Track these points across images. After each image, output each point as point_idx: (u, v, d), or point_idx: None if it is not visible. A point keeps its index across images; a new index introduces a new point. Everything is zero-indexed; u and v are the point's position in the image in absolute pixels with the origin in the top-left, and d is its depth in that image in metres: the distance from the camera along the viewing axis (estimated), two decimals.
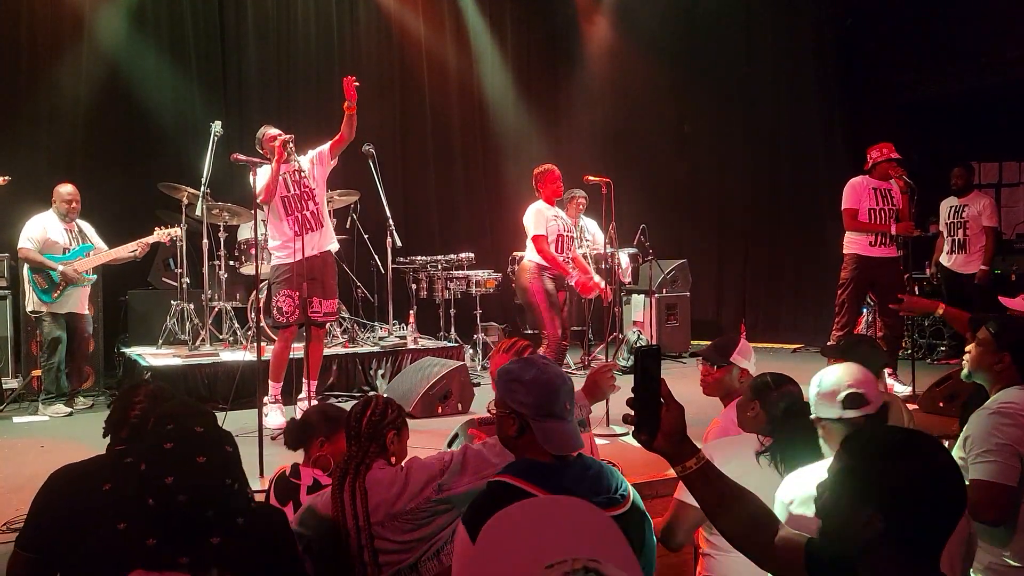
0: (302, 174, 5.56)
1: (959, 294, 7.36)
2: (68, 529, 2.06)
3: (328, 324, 6.19)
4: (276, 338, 5.71)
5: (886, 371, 6.40)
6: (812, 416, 2.39)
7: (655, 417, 1.57)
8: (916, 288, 8.39)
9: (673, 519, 2.51)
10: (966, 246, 7.36)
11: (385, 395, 3.10)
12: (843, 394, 2.30)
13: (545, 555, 1.01)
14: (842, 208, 6.54)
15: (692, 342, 8.91)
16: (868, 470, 1.46)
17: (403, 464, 2.48)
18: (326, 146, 5.68)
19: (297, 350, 5.81)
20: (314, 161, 5.68)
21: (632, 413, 1.59)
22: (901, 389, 6.29)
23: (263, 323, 5.67)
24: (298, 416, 5.40)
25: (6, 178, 6.08)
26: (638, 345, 1.91)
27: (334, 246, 5.82)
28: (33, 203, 6.41)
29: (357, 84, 5.39)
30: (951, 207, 7.49)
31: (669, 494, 3.21)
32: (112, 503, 1.50)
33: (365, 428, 2.47)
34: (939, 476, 1.44)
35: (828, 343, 6.81)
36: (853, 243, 6.58)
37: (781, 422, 2.53)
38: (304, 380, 5.64)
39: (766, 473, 2.40)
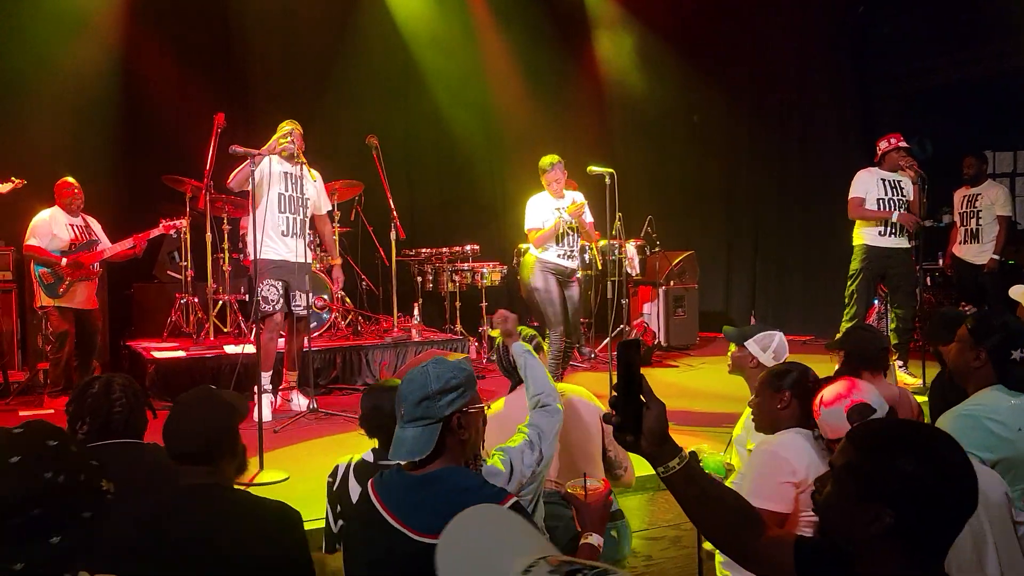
0: (303, 182, 5.57)
1: (972, 284, 7.27)
2: None
3: (323, 315, 6.18)
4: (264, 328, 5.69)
5: (897, 363, 6.34)
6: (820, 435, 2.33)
7: (638, 416, 1.51)
8: (928, 279, 8.30)
9: None
10: (979, 236, 7.25)
11: None
12: (848, 409, 2.23)
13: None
14: (848, 197, 6.48)
15: (700, 335, 8.84)
16: (876, 465, 1.40)
17: None
18: (326, 208, 6.08)
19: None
20: (319, 190, 5.86)
21: (613, 413, 1.53)
22: (912, 381, 6.22)
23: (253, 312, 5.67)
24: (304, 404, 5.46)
25: (21, 181, 6.09)
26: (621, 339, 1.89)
27: (310, 259, 5.85)
28: (37, 199, 6.41)
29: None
30: (964, 196, 7.39)
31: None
32: None
33: None
34: (953, 472, 1.39)
35: (837, 336, 6.78)
36: (862, 233, 6.53)
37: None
38: (285, 371, 5.70)
39: None
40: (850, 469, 1.44)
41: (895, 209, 6.37)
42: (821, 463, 2.37)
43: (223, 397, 2.25)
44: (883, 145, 6.54)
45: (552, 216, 6.16)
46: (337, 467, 2.75)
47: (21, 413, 6.00)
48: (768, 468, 2.49)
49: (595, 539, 2.20)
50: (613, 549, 2.91)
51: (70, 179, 6.33)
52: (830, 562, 1.46)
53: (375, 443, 2.71)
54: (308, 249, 5.75)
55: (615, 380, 1.53)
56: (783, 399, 2.60)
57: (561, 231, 6.12)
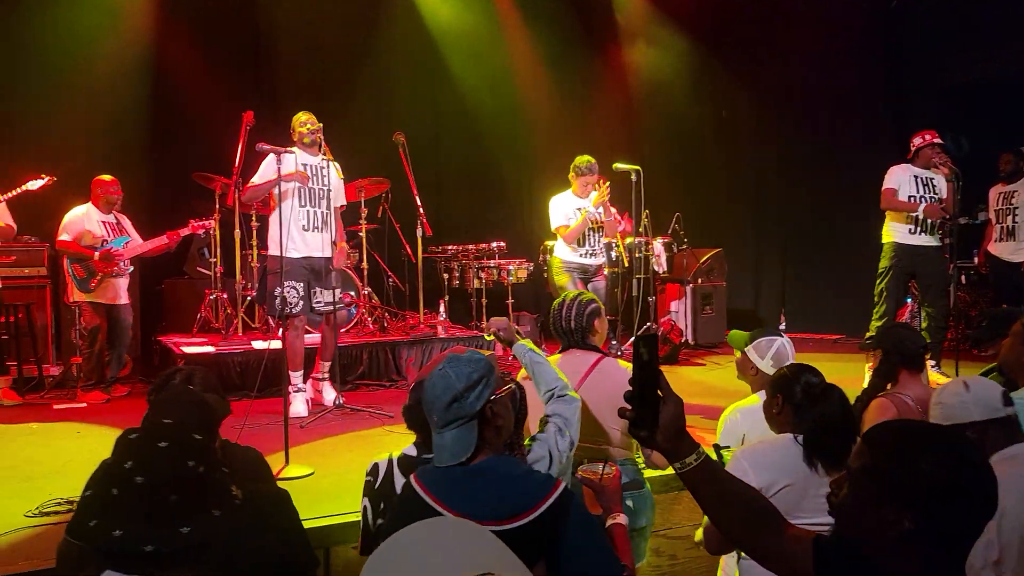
0: (325, 171, 5.55)
1: (1008, 283, 7.13)
2: None
3: (350, 310, 6.20)
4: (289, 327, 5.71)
5: (929, 363, 6.24)
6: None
7: (654, 411, 1.50)
8: (963, 277, 8.16)
9: (708, 525, 2.40)
10: (1015, 233, 7.11)
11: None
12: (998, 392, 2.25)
13: None
14: (882, 189, 6.41)
15: (728, 332, 8.76)
16: (894, 468, 1.38)
17: None
18: (341, 201, 5.91)
19: (315, 340, 5.88)
20: (339, 181, 5.79)
21: (629, 408, 1.52)
22: (945, 381, 6.11)
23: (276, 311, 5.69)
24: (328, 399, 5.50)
25: (51, 178, 6.19)
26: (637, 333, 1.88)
27: (330, 253, 5.77)
28: (70, 195, 6.52)
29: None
30: (1000, 193, 7.25)
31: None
32: (83, 502, 1.49)
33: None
34: (973, 475, 1.36)
35: (867, 334, 6.69)
36: (892, 231, 6.46)
37: (805, 412, 2.44)
38: (318, 360, 5.72)
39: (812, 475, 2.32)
40: (867, 472, 1.41)
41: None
42: (794, 470, 2.33)
43: (198, 396, 2.28)
44: (917, 141, 6.46)
45: (576, 214, 6.21)
46: (377, 464, 2.70)
47: (55, 407, 6.11)
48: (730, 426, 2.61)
49: (622, 518, 2.32)
50: (631, 520, 2.88)
51: (111, 177, 6.41)
52: (849, 561, 1.44)
53: (411, 438, 2.73)
54: (333, 244, 5.72)
55: (631, 375, 1.52)
56: (776, 403, 2.58)
57: (586, 227, 6.15)
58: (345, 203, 5.98)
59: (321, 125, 5.61)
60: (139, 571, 1.41)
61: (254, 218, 7.15)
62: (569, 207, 6.28)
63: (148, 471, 1.41)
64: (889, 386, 3.24)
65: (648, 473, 3.13)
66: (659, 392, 1.51)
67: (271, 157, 5.17)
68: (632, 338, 7.82)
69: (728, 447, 2.78)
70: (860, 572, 1.42)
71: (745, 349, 3.20)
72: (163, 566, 1.43)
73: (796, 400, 2.47)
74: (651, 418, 1.50)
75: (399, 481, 2.65)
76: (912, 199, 6.35)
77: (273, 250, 5.40)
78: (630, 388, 1.52)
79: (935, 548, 1.35)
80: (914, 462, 1.36)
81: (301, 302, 5.47)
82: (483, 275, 7.63)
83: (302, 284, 5.47)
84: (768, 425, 2.68)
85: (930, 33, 8.63)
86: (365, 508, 2.66)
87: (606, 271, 6.81)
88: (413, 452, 2.72)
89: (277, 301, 5.29)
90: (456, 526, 1.18)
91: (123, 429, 1.58)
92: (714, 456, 2.68)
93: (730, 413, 3.13)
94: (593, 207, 6.16)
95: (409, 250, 7.53)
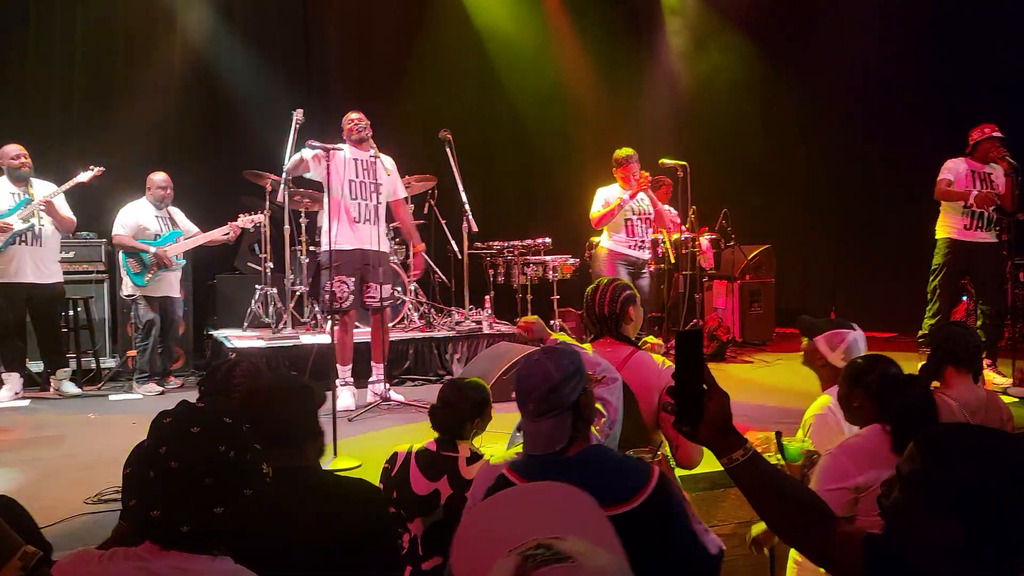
0: (375, 165, 5.61)
1: None
2: None
3: (391, 308, 6.26)
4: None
5: (985, 362, 6.09)
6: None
7: (698, 406, 1.50)
8: (1021, 274, 7.93)
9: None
10: None
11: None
12: None
13: (511, 542, 1.02)
14: (937, 180, 6.27)
15: (776, 330, 8.66)
16: (949, 476, 1.33)
17: None
18: (401, 195, 5.96)
19: (364, 335, 5.91)
20: (391, 173, 5.79)
21: (673, 402, 1.52)
22: (1001, 381, 5.97)
23: (328, 306, 5.75)
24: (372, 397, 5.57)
25: (100, 169, 6.34)
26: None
27: (387, 247, 5.88)
28: (126, 190, 6.69)
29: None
30: None
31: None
32: (124, 483, 1.55)
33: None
34: None
35: (920, 332, 6.55)
36: (947, 226, 6.32)
37: (887, 403, 2.41)
38: (374, 364, 5.75)
39: None
40: (917, 478, 1.37)
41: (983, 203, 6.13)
42: (890, 461, 2.30)
43: (303, 382, 2.34)
44: (975, 135, 6.30)
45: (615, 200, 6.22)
46: (396, 454, 2.81)
47: (111, 398, 6.28)
48: (825, 471, 2.45)
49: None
50: None
51: (163, 173, 6.56)
52: (900, 562, 1.41)
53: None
54: (385, 238, 5.77)
55: (674, 369, 1.52)
56: (858, 398, 2.54)
57: (628, 214, 6.14)
58: (407, 195, 5.99)
59: (369, 122, 5.70)
60: (177, 547, 1.48)
61: (303, 214, 7.26)
62: (612, 196, 6.28)
63: (182, 456, 1.46)
64: (935, 385, 3.16)
65: (679, 472, 3.11)
66: (703, 386, 1.51)
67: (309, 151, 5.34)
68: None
69: (792, 438, 2.73)
70: (912, 573, 1.39)
71: (816, 339, 3.10)
72: (200, 544, 1.49)
73: (875, 392, 2.44)
74: (695, 412, 1.50)
75: (415, 473, 2.72)
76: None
77: (325, 244, 5.49)
78: (671, 383, 1.52)
79: (986, 561, 1.30)
80: (961, 470, 1.32)
81: (351, 297, 5.52)
82: (528, 271, 7.64)
83: (353, 279, 5.52)
84: (844, 410, 2.65)
85: (988, 21, 8.39)
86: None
87: (651, 267, 6.78)
88: (433, 447, 2.77)
89: (327, 296, 5.36)
90: (544, 490, 1.21)
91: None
92: (773, 447, 2.66)
93: (820, 408, 3.03)
94: (627, 196, 6.16)
95: (455, 246, 7.57)
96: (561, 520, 1.08)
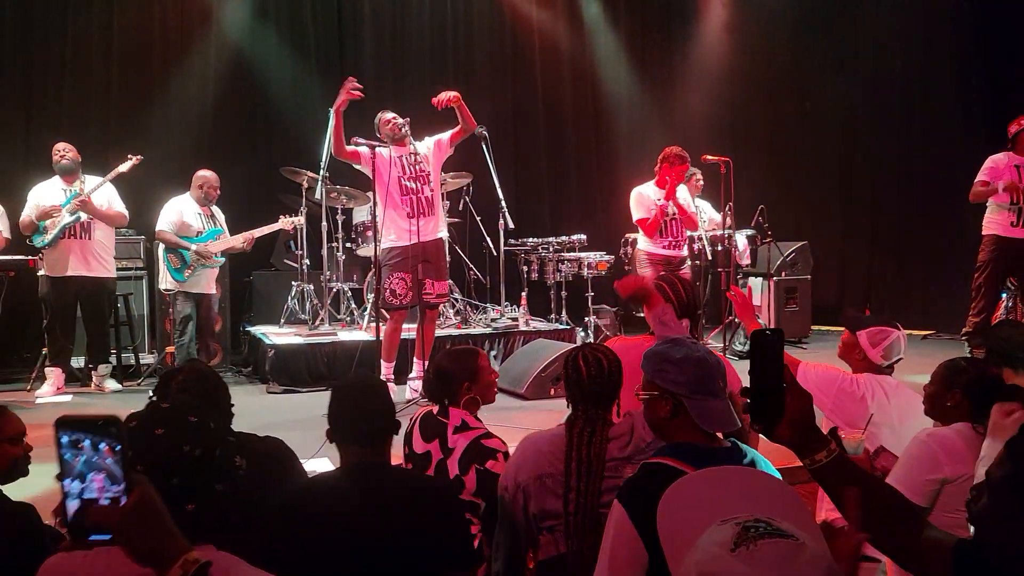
0: (418, 157, 5.63)
1: None
2: None
3: (440, 305, 6.27)
4: (389, 318, 5.80)
5: None
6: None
7: (775, 404, 1.48)
8: None
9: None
10: None
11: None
12: None
13: (724, 513, 1.03)
14: (975, 180, 6.18)
15: (812, 327, 8.58)
16: None
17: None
18: (446, 135, 5.80)
19: (408, 330, 5.92)
20: (431, 147, 5.77)
21: (748, 401, 1.50)
22: None
23: (378, 305, 5.77)
24: (411, 393, 5.59)
25: (139, 158, 6.39)
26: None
27: (444, 233, 5.92)
28: (165, 187, 6.74)
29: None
30: None
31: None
32: None
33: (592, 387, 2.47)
34: None
35: (964, 329, 6.46)
36: (992, 223, 6.23)
37: (984, 408, 2.39)
38: (416, 360, 5.76)
39: None
40: (1008, 483, 1.33)
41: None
42: (974, 461, 2.27)
43: (377, 381, 2.37)
44: (1014, 128, 6.21)
45: (655, 206, 6.23)
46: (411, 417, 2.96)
47: (150, 394, 6.34)
48: (915, 459, 2.45)
49: None
50: None
51: (212, 172, 6.61)
52: (993, 570, 1.38)
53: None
54: (443, 225, 5.76)
55: (749, 368, 1.51)
56: (954, 398, 2.53)
57: (666, 218, 6.13)
58: (449, 132, 5.80)
59: (407, 120, 5.71)
60: None
61: (340, 211, 7.29)
62: (648, 199, 6.27)
63: (145, 460, 1.44)
64: None
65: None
66: (783, 384, 1.49)
67: (366, 149, 5.38)
68: (715, 330, 7.73)
69: (850, 433, 2.70)
70: None
71: (858, 333, 3.10)
72: None
73: (975, 395, 2.42)
74: (772, 411, 1.48)
75: (415, 432, 2.84)
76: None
77: (382, 243, 5.54)
78: (744, 386, 1.51)
79: None
80: None
81: (410, 293, 5.53)
82: (563, 268, 7.62)
83: (410, 275, 5.52)
84: (927, 406, 2.64)
85: None
86: None
87: (687, 263, 6.75)
88: (435, 410, 2.87)
89: (387, 292, 5.39)
90: (750, 474, 1.23)
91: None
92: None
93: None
94: (664, 200, 6.17)
95: (490, 243, 7.57)
96: (775, 505, 1.08)
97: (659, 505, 1.09)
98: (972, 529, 1.44)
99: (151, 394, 2.62)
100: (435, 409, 2.88)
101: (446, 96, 5.47)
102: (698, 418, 1.94)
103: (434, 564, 2.02)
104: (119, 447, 1.14)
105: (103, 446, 1.14)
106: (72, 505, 1.19)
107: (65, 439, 1.16)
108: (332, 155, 5.63)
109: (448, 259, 6.17)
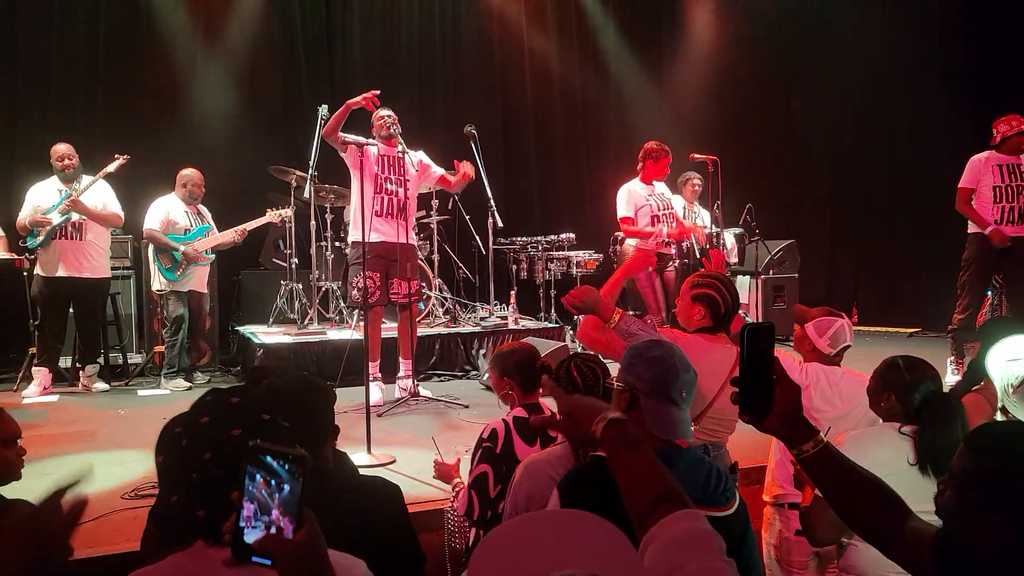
0: (402, 160, 5.63)
1: None
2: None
3: (418, 303, 6.27)
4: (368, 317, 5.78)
5: None
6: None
7: (766, 397, 1.51)
8: None
9: (811, 511, 2.31)
10: None
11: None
12: None
13: (546, 566, 0.99)
14: (958, 186, 6.22)
15: (795, 307, 8.64)
16: (996, 475, 1.34)
17: None
18: (438, 172, 5.89)
19: (392, 330, 5.93)
20: (421, 163, 5.80)
21: (738, 392, 1.53)
22: None
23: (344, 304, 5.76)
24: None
25: (126, 157, 6.36)
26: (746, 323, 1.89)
27: (413, 242, 5.89)
28: (152, 187, 6.72)
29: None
30: None
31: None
32: (161, 475, 1.53)
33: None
34: None
35: (949, 327, 6.51)
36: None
37: (921, 416, 2.38)
38: (402, 360, 5.77)
39: (914, 474, 2.25)
40: (966, 477, 1.38)
41: (1015, 197, 6.09)
42: (895, 460, 2.27)
43: (320, 382, 2.32)
44: (1003, 128, 6.22)
45: (646, 202, 6.24)
46: (495, 429, 2.79)
47: (140, 393, 6.33)
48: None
49: None
50: None
51: (196, 170, 6.59)
52: (971, 559, 1.41)
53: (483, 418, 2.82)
54: (412, 232, 5.76)
55: (740, 361, 1.53)
56: (888, 400, 2.52)
57: (654, 210, 6.18)
58: (442, 170, 5.96)
59: (395, 116, 5.72)
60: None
61: (329, 210, 7.28)
62: (637, 196, 6.29)
63: (226, 466, 1.41)
64: (985, 382, 3.15)
65: None
66: (774, 377, 1.51)
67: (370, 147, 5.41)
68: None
69: None
70: (982, 571, 1.38)
71: (805, 326, 3.17)
72: None
73: (912, 406, 2.41)
74: (761, 403, 1.51)
75: (518, 443, 2.73)
76: (997, 191, 6.15)
77: (352, 237, 5.52)
78: (735, 375, 1.53)
79: None
80: (1003, 469, 1.32)
81: (378, 292, 5.54)
82: (552, 267, 7.64)
83: (379, 274, 5.54)
84: (871, 407, 2.64)
85: (1014, 13, 8.30)
86: (484, 474, 2.71)
87: (676, 262, 6.77)
88: (524, 413, 2.79)
89: (355, 291, 5.38)
90: (582, 520, 1.19)
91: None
92: None
93: None
94: (664, 233, 6.24)
95: (479, 242, 7.57)
96: (598, 555, 1.05)
97: (472, 556, 1.08)
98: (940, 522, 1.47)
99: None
100: (521, 413, 2.80)
101: (464, 171, 5.70)
102: (648, 419, 1.93)
103: (378, 566, 2.02)
104: (274, 481, 1.16)
105: (259, 477, 1.16)
106: (242, 527, 1.20)
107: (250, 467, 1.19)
108: (323, 137, 5.61)
109: (417, 264, 6.16)
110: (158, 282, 6.47)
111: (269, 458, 1.16)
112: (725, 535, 1.27)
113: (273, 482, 1.16)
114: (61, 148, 6.27)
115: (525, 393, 2.89)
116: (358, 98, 5.41)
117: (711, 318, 2.91)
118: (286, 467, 1.16)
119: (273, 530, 1.15)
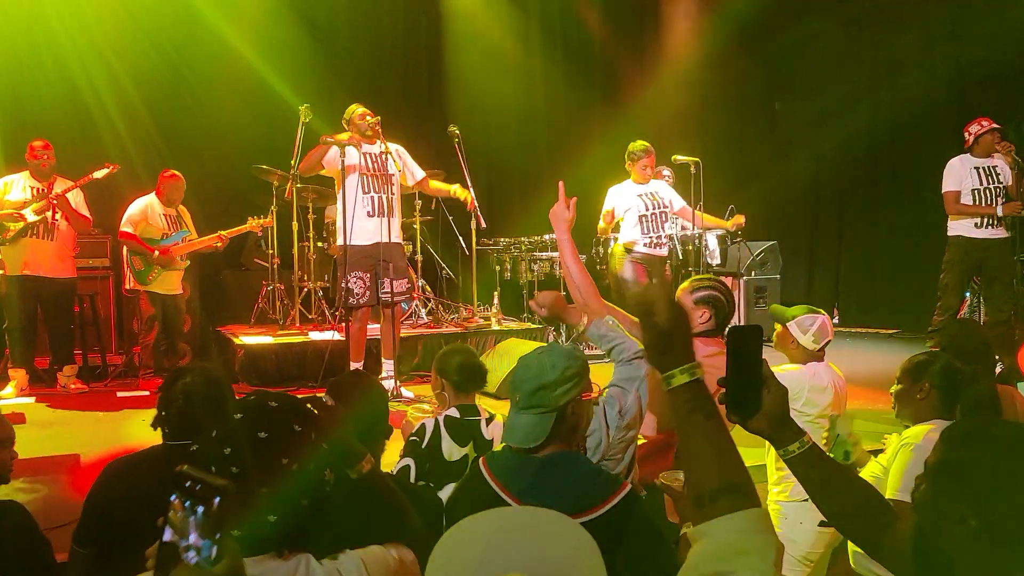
0: (384, 158, 5.60)
1: None
2: (122, 523, 2.04)
3: (403, 303, 6.26)
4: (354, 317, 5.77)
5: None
6: None
7: (753, 397, 1.51)
8: None
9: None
10: None
11: None
12: None
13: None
14: (943, 192, 6.27)
15: (771, 306, 8.69)
16: (966, 465, 1.35)
17: None
18: (420, 175, 5.90)
19: (372, 331, 5.90)
20: (405, 162, 5.78)
21: (724, 392, 1.53)
22: None
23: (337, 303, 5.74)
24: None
25: (115, 166, 6.31)
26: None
27: (399, 240, 5.89)
28: (132, 187, 6.65)
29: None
30: None
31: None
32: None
33: None
34: None
35: (930, 328, 6.56)
36: (957, 224, 6.33)
37: (952, 396, 2.48)
38: (384, 360, 5.74)
39: None
40: (937, 468, 1.39)
41: (993, 199, 6.14)
42: None
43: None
44: (974, 129, 6.29)
45: (635, 202, 6.25)
46: (424, 424, 2.85)
47: (118, 394, 6.25)
48: (913, 466, 2.44)
49: None
50: None
51: (175, 172, 6.53)
52: (944, 553, 1.42)
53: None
54: (398, 230, 5.76)
55: (726, 363, 1.53)
56: (922, 390, 2.58)
57: (643, 210, 6.20)
58: (424, 173, 5.99)
59: (379, 117, 5.68)
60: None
61: (311, 210, 7.24)
62: (625, 197, 6.30)
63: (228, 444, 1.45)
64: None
65: None
66: (761, 378, 1.51)
67: (334, 150, 5.28)
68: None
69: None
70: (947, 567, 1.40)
71: (788, 324, 3.20)
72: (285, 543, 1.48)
73: (943, 385, 2.48)
74: (747, 403, 1.51)
75: (445, 441, 2.76)
76: (976, 193, 6.20)
77: (340, 240, 5.49)
78: (721, 375, 1.53)
79: (1001, 552, 1.30)
80: (980, 460, 1.33)
81: (367, 292, 5.51)
82: (535, 267, 7.64)
83: (368, 274, 5.51)
84: (897, 406, 2.69)
85: (995, 15, 8.38)
86: (408, 467, 2.74)
87: (668, 263, 6.80)
88: (456, 413, 2.84)
89: (343, 292, 5.35)
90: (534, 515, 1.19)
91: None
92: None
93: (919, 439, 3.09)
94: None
95: (463, 242, 7.56)
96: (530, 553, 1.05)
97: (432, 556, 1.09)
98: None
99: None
100: (454, 413, 2.83)
101: (467, 196, 5.87)
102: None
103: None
104: (187, 504, 1.15)
105: (173, 498, 1.16)
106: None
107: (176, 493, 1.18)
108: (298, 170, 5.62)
109: (405, 261, 6.16)
110: (130, 282, 6.40)
111: (190, 484, 1.15)
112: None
113: (197, 508, 1.15)
114: (38, 143, 6.17)
115: (458, 393, 2.95)
116: (329, 137, 5.40)
117: (715, 321, 2.89)
118: (207, 495, 1.15)
119: (192, 554, 1.14)
